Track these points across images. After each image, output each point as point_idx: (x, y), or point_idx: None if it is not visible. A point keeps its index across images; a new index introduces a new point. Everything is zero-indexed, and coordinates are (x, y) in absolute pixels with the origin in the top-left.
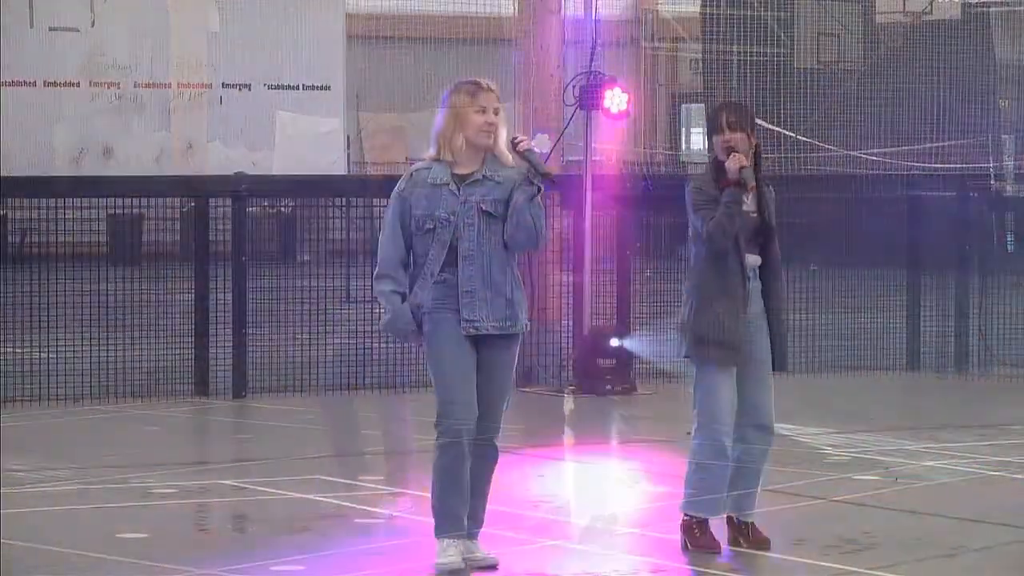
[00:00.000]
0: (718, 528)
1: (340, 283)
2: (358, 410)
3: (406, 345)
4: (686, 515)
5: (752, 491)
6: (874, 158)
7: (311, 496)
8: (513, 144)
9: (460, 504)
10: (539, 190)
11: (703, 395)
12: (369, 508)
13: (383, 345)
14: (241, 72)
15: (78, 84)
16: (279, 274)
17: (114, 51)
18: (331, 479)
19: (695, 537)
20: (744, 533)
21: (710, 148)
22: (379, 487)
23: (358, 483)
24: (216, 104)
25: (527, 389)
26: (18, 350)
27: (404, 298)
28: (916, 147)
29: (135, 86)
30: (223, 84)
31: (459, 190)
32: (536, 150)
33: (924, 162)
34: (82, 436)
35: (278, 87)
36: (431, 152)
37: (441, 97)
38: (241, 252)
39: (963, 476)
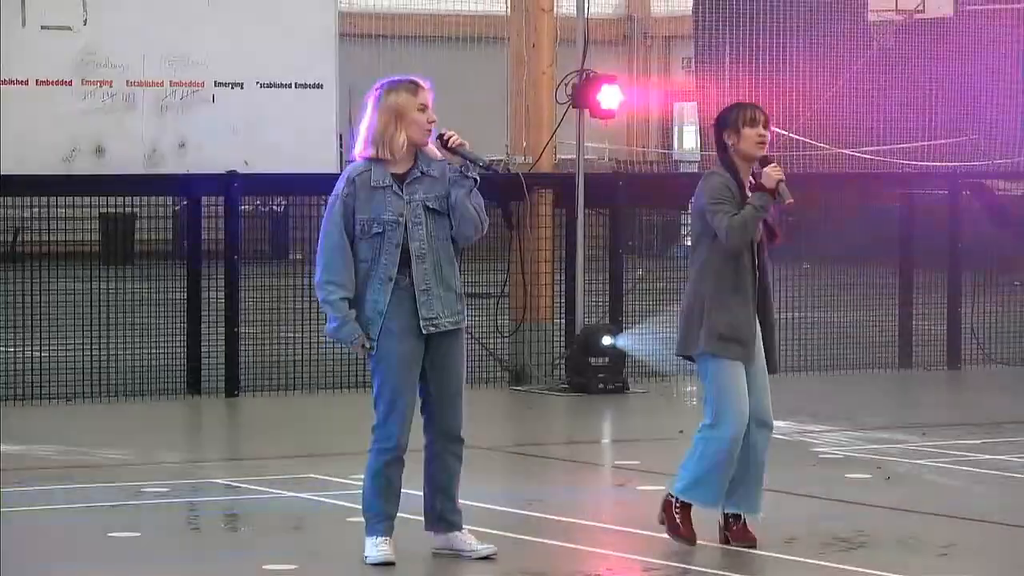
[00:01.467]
0: (703, 525)
1: None
2: (349, 409)
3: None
4: (674, 499)
5: (759, 488)
6: (866, 156)
7: (303, 495)
8: (443, 141)
9: (392, 507)
10: (476, 182)
11: (720, 390)
12: (360, 506)
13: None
14: (233, 70)
15: (70, 83)
16: (271, 272)
17: (106, 50)
18: (324, 477)
19: (675, 524)
20: (733, 530)
21: (720, 146)
22: None
23: (351, 481)
24: (208, 102)
25: (519, 388)
26: (10, 349)
27: (351, 304)
28: (908, 145)
29: (127, 84)
30: (216, 83)
31: (402, 190)
32: (465, 143)
33: (916, 160)
34: (74, 434)
35: (270, 85)
36: (367, 152)
37: (375, 95)
38: (233, 251)
39: (955, 474)
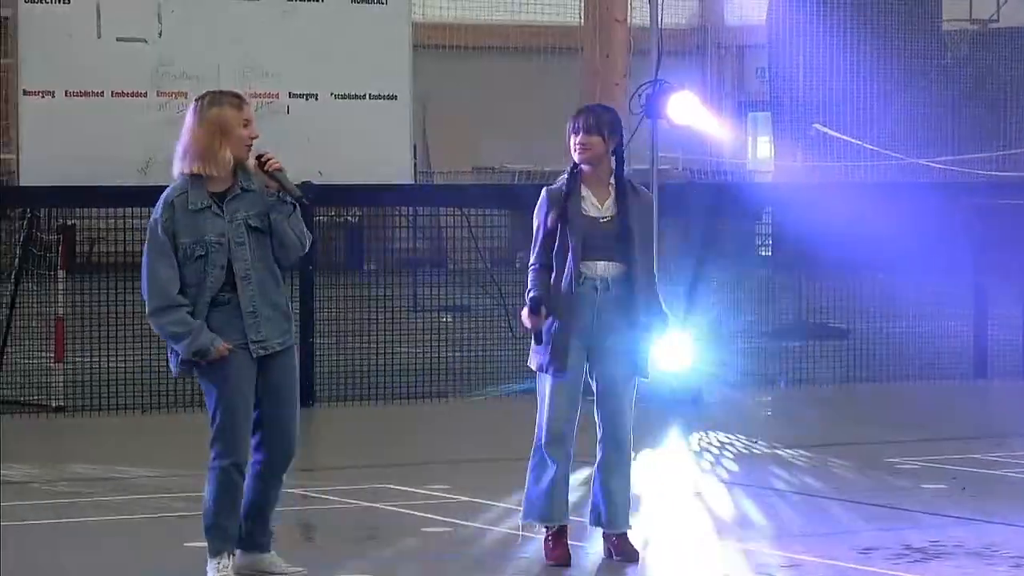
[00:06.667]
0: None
1: (407, 291)
2: (428, 419)
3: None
4: (546, 527)
5: (618, 505)
6: (940, 166)
7: (378, 504)
8: (260, 164)
9: (234, 524)
10: (295, 207)
11: (539, 402)
12: (436, 516)
13: (447, 354)
14: (308, 82)
15: (145, 94)
16: (346, 283)
17: (181, 61)
18: (397, 487)
19: (548, 548)
20: (615, 546)
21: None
22: (446, 496)
23: (426, 491)
24: (283, 113)
25: None
26: (84, 358)
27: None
28: (983, 155)
29: None
30: (290, 94)
31: (223, 209)
32: (285, 169)
33: (991, 169)
34: (146, 445)
35: (344, 96)
36: (189, 167)
37: (195, 107)
38: (308, 261)
39: None
